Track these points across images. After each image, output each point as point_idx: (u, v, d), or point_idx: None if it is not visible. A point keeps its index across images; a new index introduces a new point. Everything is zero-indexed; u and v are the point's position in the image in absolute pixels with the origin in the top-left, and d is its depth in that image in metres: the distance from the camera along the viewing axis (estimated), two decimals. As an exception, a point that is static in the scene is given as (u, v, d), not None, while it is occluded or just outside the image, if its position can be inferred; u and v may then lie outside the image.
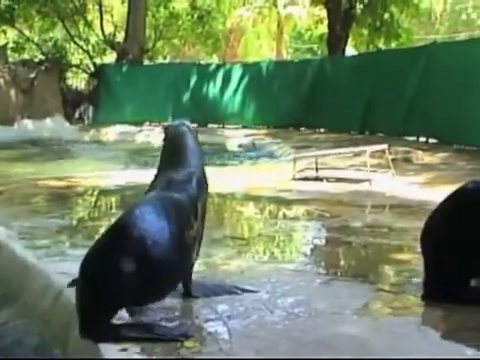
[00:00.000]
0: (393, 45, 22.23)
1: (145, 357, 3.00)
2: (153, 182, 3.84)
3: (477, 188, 3.92)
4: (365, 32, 22.89)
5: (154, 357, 3.00)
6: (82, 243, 5.32)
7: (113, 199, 8.56)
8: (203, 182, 3.96)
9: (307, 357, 3.00)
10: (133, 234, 3.24)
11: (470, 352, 3.09)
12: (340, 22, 21.19)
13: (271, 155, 14.14)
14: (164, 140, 4.02)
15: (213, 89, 20.85)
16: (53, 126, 20.01)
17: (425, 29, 28.06)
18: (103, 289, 3.13)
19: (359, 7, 21.56)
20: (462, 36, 20.68)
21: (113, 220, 3.73)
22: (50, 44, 23.38)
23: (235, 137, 18.10)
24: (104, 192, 8.79)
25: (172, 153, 3.91)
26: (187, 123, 4.10)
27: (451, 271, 3.76)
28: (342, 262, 5.20)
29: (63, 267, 4.36)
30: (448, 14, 31.04)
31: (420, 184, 8.76)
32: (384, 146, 9.90)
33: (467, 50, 13.32)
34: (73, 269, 4.25)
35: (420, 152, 11.67)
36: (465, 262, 3.73)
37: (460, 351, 3.11)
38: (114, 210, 7.65)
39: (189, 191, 3.73)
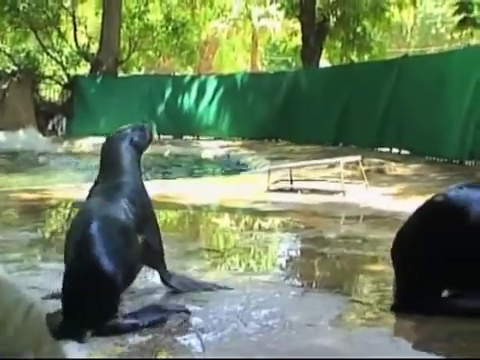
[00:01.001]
0: (366, 58, 22.48)
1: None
2: (91, 191, 4.07)
3: (444, 201, 3.97)
4: (338, 45, 23.13)
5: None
6: (55, 257, 5.24)
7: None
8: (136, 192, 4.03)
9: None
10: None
11: (441, 361, 3.12)
12: (314, 35, 21.39)
13: (246, 167, 14.16)
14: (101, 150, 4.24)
15: (188, 101, 20.84)
16: (26, 138, 19.82)
17: (397, 42, 28.42)
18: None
19: (332, 20, 21.78)
20: (432, 50, 20.93)
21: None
22: (22, 55, 23.13)
23: (210, 149, 18.11)
24: (77, 204, 8.67)
25: (103, 163, 4.17)
26: (131, 130, 4.27)
27: (420, 283, 3.79)
28: (316, 273, 5.18)
29: (34, 281, 4.30)
30: (418, 28, 31.50)
31: (393, 195, 8.83)
32: (358, 158, 9.95)
33: (437, 63, 13.50)
34: (45, 283, 4.21)
35: (393, 163, 11.76)
36: (434, 274, 3.77)
37: (432, 361, 3.14)
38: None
39: (120, 202, 3.86)
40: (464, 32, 16.58)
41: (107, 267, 3.40)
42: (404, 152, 13.91)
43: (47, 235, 6.72)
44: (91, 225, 3.53)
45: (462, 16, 14.40)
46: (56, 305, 3.52)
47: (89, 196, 4.03)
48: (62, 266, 4.57)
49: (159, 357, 3.10)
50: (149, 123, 4.35)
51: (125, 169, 4.04)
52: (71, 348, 3.18)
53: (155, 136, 4.34)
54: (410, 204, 5.98)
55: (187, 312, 3.65)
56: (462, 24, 14.65)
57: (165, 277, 4.07)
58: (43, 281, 4.29)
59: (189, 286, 4.12)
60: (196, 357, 3.10)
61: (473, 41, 20.75)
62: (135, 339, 3.31)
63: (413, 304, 3.75)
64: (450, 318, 3.64)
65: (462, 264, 3.76)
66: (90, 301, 3.34)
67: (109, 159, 4.13)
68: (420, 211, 4.00)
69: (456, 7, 14.58)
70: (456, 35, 19.11)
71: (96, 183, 4.09)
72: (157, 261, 4.05)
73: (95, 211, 3.74)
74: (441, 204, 3.94)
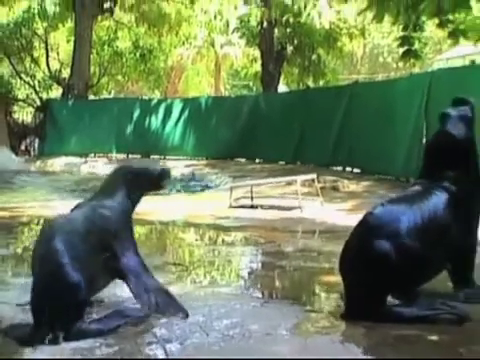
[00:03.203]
0: (321, 83, 22.71)
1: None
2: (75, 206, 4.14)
3: (380, 212, 4.04)
4: (295, 71, 23.35)
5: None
6: (25, 272, 5.16)
7: (58, 228, 8.35)
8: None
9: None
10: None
11: (388, 365, 3.15)
12: (273, 62, 21.57)
13: (210, 184, 14.14)
14: None
15: (155, 122, 20.77)
16: (-1, 158, 19.47)
17: (348, 70, 28.86)
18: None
19: (290, 49, 22.00)
20: (380, 77, 21.32)
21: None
22: (-4, 79, 22.93)
23: (176, 167, 17.95)
24: (49, 221, 8.55)
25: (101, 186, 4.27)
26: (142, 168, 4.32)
27: (365, 292, 3.84)
28: (275, 285, 5.19)
29: (4, 296, 4.22)
30: (368, 57, 32.07)
31: (346, 211, 8.87)
32: (313, 176, 10.02)
33: (384, 90, 13.72)
34: (15, 298, 4.13)
35: (346, 181, 11.85)
36: (378, 282, 3.82)
37: (380, 365, 3.16)
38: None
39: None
40: (407, 62, 16.95)
41: (70, 277, 3.44)
42: (356, 170, 14.04)
43: (18, 251, 6.58)
44: (55, 238, 3.58)
45: (405, 48, 14.71)
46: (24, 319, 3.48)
47: (72, 210, 4.08)
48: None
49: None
50: (167, 169, 4.36)
51: (112, 195, 4.07)
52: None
53: (167, 181, 4.31)
54: (361, 218, 6.05)
55: (147, 316, 3.68)
56: (405, 55, 14.94)
57: (136, 293, 3.88)
58: (13, 296, 4.22)
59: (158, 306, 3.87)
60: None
61: (415, 70, 21.22)
62: (102, 350, 3.28)
63: (361, 312, 3.79)
64: (396, 324, 3.69)
65: (397, 274, 3.82)
66: (55, 308, 3.39)
67: (104, 183, 4.24)
68: (360, 223, 4.08)
69: (400, 40, 14.90)
70: (401, 64, 19.54)
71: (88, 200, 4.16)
72: (129, 277, 3.89)
73: (60, 225, 3.79)
74: (378, 215, 4.02)
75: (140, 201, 4.25)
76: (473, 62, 13.03)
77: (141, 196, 4.26)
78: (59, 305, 3.40)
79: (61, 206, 9.58)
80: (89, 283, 3.55)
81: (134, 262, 3.91)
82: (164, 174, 4.35)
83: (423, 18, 14.05)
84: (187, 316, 3.78)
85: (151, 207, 9.16)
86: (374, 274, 3.82)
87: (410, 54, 14.86)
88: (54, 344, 3.28)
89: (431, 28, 15.98)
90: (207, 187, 13.75)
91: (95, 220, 3.86)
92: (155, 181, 4.33)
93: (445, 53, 24.64)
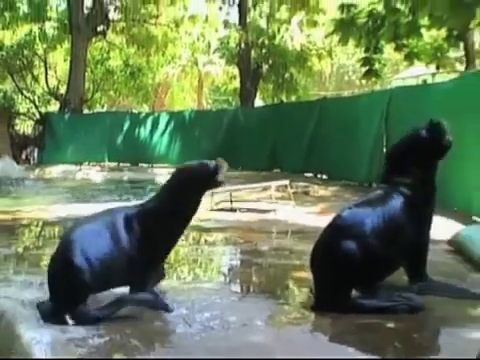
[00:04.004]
0: (293, 98, 22.80)
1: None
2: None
3: (346, 215, 4.09)
4: (270, 87, 23.41)
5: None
6: (26, 270, 5.13)
7: (55, 230, 8.27)
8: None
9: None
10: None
11: (351, 350, 3.16)
12: (250, 79, 21.63)
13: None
14: None
15: (143, 133, 20.68)
16: (2, 166, 19.22)
17: (318, 87, 29.00)
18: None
19: (265, 67, 22.07)
20: (346, 93, 21.48)
21: (54, 248, 3.91)
22: (0, 95, 22.70)
23: (162, 175, 17.86)
24: (47, 224, 8.46)
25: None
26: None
27: (332, 286, 3.87)
28: (252, 280, 5.17)
29: (6, 292, 4.17)
30: (334, 75, 32.25)
31: (316, 213, 8.86)
32: (286, 181, 10.02)
33: (349, 105, 13.80)
34: (16, 293, 4.09)
35: (316, 186, 11.88)
36: (344, 277, 3.85)
37: (345, 351, 3.18)
38: (56, 239, 7.39)
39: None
40: (369, 80, 17.13)
41: (76, 267, 3.51)
42: (324, 177, 14.10)
43: (19, 250, 6.51)
44: (75, 231, 3.72)
45: (367, 68, 14.88)
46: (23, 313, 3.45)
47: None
48: (32, 278, 4.47)
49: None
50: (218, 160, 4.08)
51: (158, 196, 4.02)
52: (38, 350, 3.10)
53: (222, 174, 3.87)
54: (329, 220, 6.08)
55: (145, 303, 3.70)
56: (367, 74, 15.14)
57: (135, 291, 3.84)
58: (14, 291, 4.18)
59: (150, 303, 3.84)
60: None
61: (376, 87, 21.42)
62: (94, 340, 3.26)
63: (329, 304, 3.81)
64: (359, 315, 3.71)
65: (360, 270, 3.86)
66: (61, 291, 3.54)
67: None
68: (326, 228, 4.12)
69: (362, 61, 15.08)
70: (363, 82, 19.72)
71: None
72: (137, 279, 3.84)
73: (86, 221, 3.89)
74: (344, 217, 4.07)
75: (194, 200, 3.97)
76: (425, 81, 13.25)
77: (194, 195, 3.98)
78: (62, 288, 3.53)
79: (58, 210, 9.56)
80: (105, 274, 3.60)
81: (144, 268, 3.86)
82: (212, 163, 3.99)
83: (382, 42, 14.27)
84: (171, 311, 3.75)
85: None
86: (340, 270, 3.84)
87: (371, 73, 15.06)
88: (62, 323, 3.40)
89: (389, 51, 16.16)
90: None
91: (130, 222, 3.83)
92: (210, 172, 3.96)
93: (401, 73, 24.88)
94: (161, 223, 3.86)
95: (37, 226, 8.42)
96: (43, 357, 3.01)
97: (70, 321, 3.45)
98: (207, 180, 3.98)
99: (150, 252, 3.83)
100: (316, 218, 8.22)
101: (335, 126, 13.66)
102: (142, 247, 3.76)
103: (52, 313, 3.51)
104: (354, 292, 3.92)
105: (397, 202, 4.10)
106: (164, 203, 3.92)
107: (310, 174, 14.80)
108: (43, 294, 3.90)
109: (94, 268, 3.55)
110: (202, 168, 3.99)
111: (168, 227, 3.88)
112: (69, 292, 3.51)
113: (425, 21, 12.74)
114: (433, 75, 18.37)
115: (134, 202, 7.40)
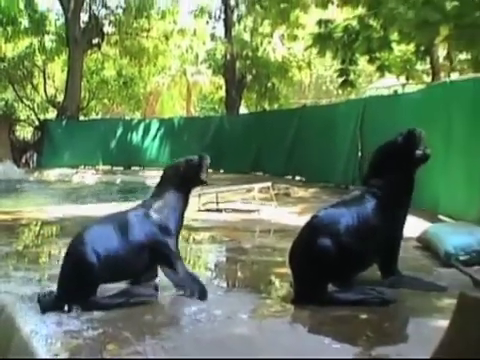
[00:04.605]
0: (275, 106, 22.82)
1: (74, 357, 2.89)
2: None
3: (323, 215, 4.12)
4: (254, 96, 23.39)
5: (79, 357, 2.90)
6: (25, 266, 5.09)
7: (53, 229, 8.19)
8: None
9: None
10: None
11: (328, 340, 3.18)
12: (235, 88, 21.63)
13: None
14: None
15: (135, 139, 20.59)
16: (3, 169, 19.03)
17: (298, 95, 29.07)
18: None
19: (249, 78, 22.06)
20: (324, 102, 21.54)
21: (52, 246, 3.95)
22: (2, 103, 22.57)
23: (153, 177, 17.79)
24: (45, 223, 8.38)
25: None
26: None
27: (310, 281, 3.88)
28: (237, 276, 5.20)
29: (6, 287, 4.14)
30: (313, 85, 32.34)
31: (296, 213, 8.84)
32: (269, 184, 10.02)
33: (327, 112, 13.85)
34: (15, 289, 4.06)
35: (296, 188, 11.89)
36: (321, 273, 3.87)
37: (321, 340, 3.20)
38: (53, 238, 7.34)
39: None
40: (345, 90, 17.21)
41: (86, 260, 3.61)
42: (304, 179, 14.12)
43: (19, 248, 6.45)
44: (90, 227, 3.85)
45: (343, 78, 14.95)
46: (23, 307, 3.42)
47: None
48: (31, 274, 4.44)
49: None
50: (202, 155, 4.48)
51: (161, 193, 4.14)
52: (36, 342, 3.08)
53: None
54: (307, 220, 6.10)
55: (153, 296, 3.81)
56: (343, 84, 15.18)
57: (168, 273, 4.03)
58: (14, 287, 4.15)
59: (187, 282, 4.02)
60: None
61: (352, 96, 21.54)
62: (88, 332, 3.24)
63: (307, 298, 3.83)
64: (335, 307, 3.74)
65: (336, 266, 3.88)
66: (72, 283, 3.63)
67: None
68: (304, 227, 4.13)
69: (339, 72, 15.15)
70: (340, 91, 19.82)
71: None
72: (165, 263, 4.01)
73: (100, 219, 4.05)
74: (320, 218, 4.10)
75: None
76: (396, 92, 13.35)
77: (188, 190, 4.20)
78: (74, 282, 3.62)
79: (55, 210, 9.47)
80: (117, 267, 3.72)
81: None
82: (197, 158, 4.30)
83: (356, 55, 14.34)
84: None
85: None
86: (317, 266, 3.86)
87: (347, 83, 15.12)
88: (69, 313, 3.47)
89: (363, 63, 16.23)
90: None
91: (143, 217, 3.97)
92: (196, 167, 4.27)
93: (374, 83, 25.04)
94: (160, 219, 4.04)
95: (36, 225, 8.35)
96: (42, 350, 2.99)
97: (74, 309, 3.53)
98: (193, 173, 4.22)
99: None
100: (296, 218, 8.22)
101: (314, 132, 13.70)
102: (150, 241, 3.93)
103: (54, 305, 3.55)
104: (331, 286, 3.95)
105: (371, 203, 4.14)
106: (158, 199, 4.09)
107: (291, 177, 14.81)
108: (41, 289, 3.87)
109: (103, 262, 3.66)
110: (187, 162, 4.26)
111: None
112: (81, 284, 3.62)
113: (395, 36, 12.84)
114: (403, 86, 18.53)
115: (128, 202, 7.39)
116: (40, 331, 3.26)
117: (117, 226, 3.87)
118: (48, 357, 2.90)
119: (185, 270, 4.03)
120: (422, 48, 13.26)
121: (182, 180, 4.14)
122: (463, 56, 13.84)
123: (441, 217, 7.37)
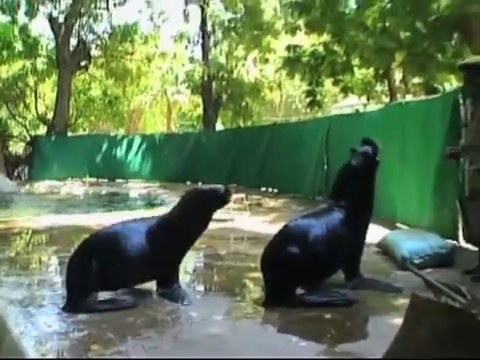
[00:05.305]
0: (249, 123, 22.93)
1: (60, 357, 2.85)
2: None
3: (292, 225, 4.17)
4: (229, 114, 23.49)
5: (66, 356, 2.86)
6: (16, 272, 5.00)
7: (42, 237, 8.06)
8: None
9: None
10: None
11: (295, 338, 3.19)
12: (211, 107, 21.68)
13: (162, 202, 13.97)
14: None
15: (119, 153, 20.43)
16: (-3, 182, 18.67)
17: (269, 113, 29.25)
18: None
19: (224, 97, 22.16)
20: (293, 119, 21.76)
21: (42, 253, 3.94)
22: (-4, 121, 22.37)
23: (136, 189, 17.74)
24: (35, 232, 8.25)
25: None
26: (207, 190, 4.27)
27: (279, 285, 3.90)
28: (213, 280, 5.18)
29: (-2, 292, 4.07)
30: (284, 104, 32.61)
31: (268, 222, 8.85)
32: (243, 195, 10.01)
33: (296, 129, 13.91)
34: (7, 293, 3.99)
35: (267, 199, 11.89)
36: (290, 277, 3.90)
37: (290, 339, 3.21)
38: (43, 246, 7.22)
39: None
40: (312, 109, 17.43)
41: (79, 267, 3.68)
42: (275, 190, 14.16)
43: (11, 255, 6.31)
44: (94, 236, 3.88)
45: (310, 98, 15.15)
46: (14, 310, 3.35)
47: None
48: (21, 279, 4.37)
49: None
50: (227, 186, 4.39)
51: (173, 211, 4.13)
52: (26, 342, 3.04)
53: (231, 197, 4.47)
54: (279, 228, 6.12)
55: (135, 305, 3.78)
56: (311, 104, 15.39)
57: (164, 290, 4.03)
58: (5, 291, 4.07)
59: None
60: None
61: (318, 115, 21.81)
62: (74, 334, 3.20)
63: (277, 300, 3.84)
64: (303, 309, 3.75)
65: (304, 271, 3.91)
66: (70, 283, 3.70)
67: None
68: (275, 236, 4.17)
69: (306, 92, 15.36)
70: (308, 110, 20.07)
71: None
72: (163, 276, 4.03)
73: (107, 229, 4.00)
74: (290, 228, 4.14)
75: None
76: (357, 111, 13.59)
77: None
78: (71, 282, 3.69)
79: (45, 220, 9.31)
80: (110, 277, 3.70)
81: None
82: (220, 188, 4.18)
83: (322, 77, 14.55)
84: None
85: (114, 220, 9.03)
86: (286, 271, 3.88)
87: (314, 103, 15.33)
88: (68, 312, 3.53)
89: (328, 84, 16.46)
90: (160, 204, 13.56)
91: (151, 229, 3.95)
92: (218, 197, 4.16)
93: (339, 103, 25.42)
94: (170, 235, 4.01)
95: (27, 234, 8.21)
96: (31, 350, 2.94)
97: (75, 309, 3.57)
98: (215, 203, 4.15)
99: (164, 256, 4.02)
100: (268, 226, 8.23)
101: (284, 147, 13.76)
102: (158, 252, 3.92)
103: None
104: (299, 289, 3.97)
105: (338, 216, 4.19)
106: (175, 218, 4.06)
107: (263, 188, 14.85)
108: (31, 294, 3.81)
109: (102, 270, 3.68)
110: (212, 192, 4.11)
111: (176, 238, 4.04)
112: (75, 289, 3.66)
113: (357, 61, 13.10)
114: (364, 105, 18.84)
115: (112, 212, 7.30)
116: (29, 332, 3.21)
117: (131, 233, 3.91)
118: (37, 357, 2.86)
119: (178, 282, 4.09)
120: (381, 72, 13.53)
121: (201, 206, 4.06)
122: (416, 80, 14.16)
123: (398, 225, 7.48)
